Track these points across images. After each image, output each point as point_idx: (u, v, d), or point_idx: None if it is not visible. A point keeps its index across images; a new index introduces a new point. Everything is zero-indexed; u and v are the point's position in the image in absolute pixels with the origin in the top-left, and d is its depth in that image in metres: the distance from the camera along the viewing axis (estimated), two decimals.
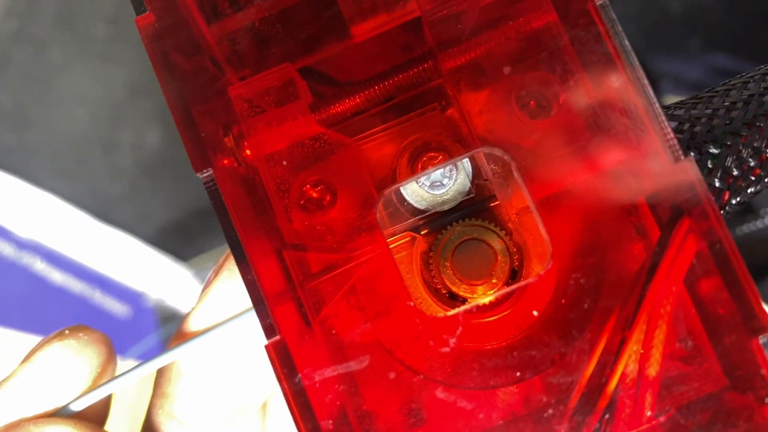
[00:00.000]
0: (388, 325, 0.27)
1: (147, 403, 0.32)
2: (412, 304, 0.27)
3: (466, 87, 0.28)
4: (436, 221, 0.30)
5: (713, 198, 0.25)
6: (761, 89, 0.29)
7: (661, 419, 0.26)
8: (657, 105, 0.24)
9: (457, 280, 0.29)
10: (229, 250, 0.27)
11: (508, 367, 0.27)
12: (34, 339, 0.81)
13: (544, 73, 0.27)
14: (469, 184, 0.30)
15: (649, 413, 0.25)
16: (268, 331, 0.25)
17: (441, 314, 0.27)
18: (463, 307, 0.27)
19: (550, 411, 0.26)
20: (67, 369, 0.30)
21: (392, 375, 0.27)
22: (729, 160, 0.28)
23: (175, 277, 0.94)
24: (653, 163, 0.25)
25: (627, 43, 0.25)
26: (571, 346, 0.26)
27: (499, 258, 0.29)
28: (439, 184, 0.30)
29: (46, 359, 0.30)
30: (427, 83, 0.29)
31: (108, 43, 0.92)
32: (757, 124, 0.28)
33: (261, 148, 0.28)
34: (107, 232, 0.92)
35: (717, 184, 0.28)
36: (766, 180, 0.28)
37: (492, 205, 0.30)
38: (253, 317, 0.28)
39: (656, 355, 0.25)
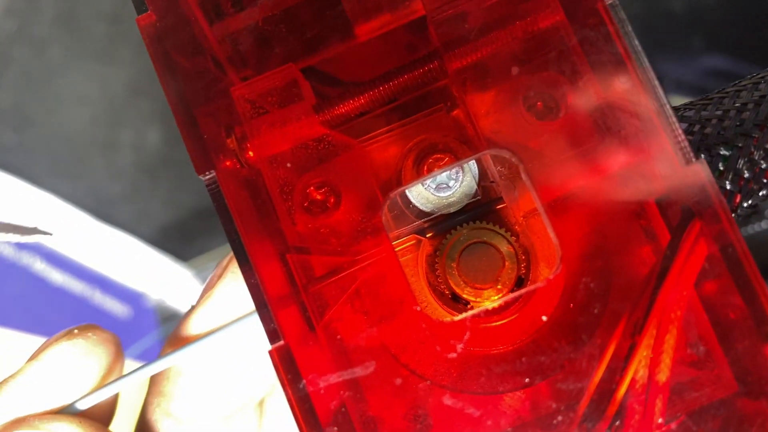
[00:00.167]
0: (394, 329, 0.27)
1: (142, 402, 0.32)
2: (418, 308, 0.26)
3: (472, 88, 0.28)
4: (441, 224, 0.30)
5: (725, 200, 0.24)
6: None
7: (672, 425, 0.25)
8: (668, 106, 0.24)
9: (463, 284, 0.28)
10: (232, 252, 0.27)
11: (515, 372, 0.27)
12: (34, 339, 0.81)
13: (551, 74, 0.27)
14: (475, 187, 0.29)
15: (660, 420, 0.24)
16: (272, 335, 0.25)
17: (448, 319, 0.27)
18: (470, 312, 0.26)
19: (560, 418, 0.25)
20: (73, 368, 0.30)
21: (398, 381, 0.26)
22: (740, 162, 0.27)
23: (175, 277, 0.93)
24: (663, 165, 0.25)
25: (637, 43, 0.24)
26: (579, 351, 0.26)
27: (506, 262, 0.28)
28: (445, 186, 0.29)
29: (54, 357, 0.30)
30: (433, 84, 0.28)
31: (108, 43, 0.92)
32: None
33: (264, 149, 0.27)
34: (107, 232, 0.91)
35: (728, 187, 0.27)
36: None
37: (498, 207, 0.30)
38: (254, 320, 0.27)
39: (666, 360, 0.25)
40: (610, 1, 0.25)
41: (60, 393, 0.30)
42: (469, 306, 0.29)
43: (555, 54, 0.27)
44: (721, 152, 0.27)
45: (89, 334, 0.31)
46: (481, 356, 0.27)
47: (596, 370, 0.25)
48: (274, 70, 0.28)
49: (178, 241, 0.94)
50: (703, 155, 0.28)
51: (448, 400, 0.27)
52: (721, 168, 0.28)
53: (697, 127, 0.28)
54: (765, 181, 0.27)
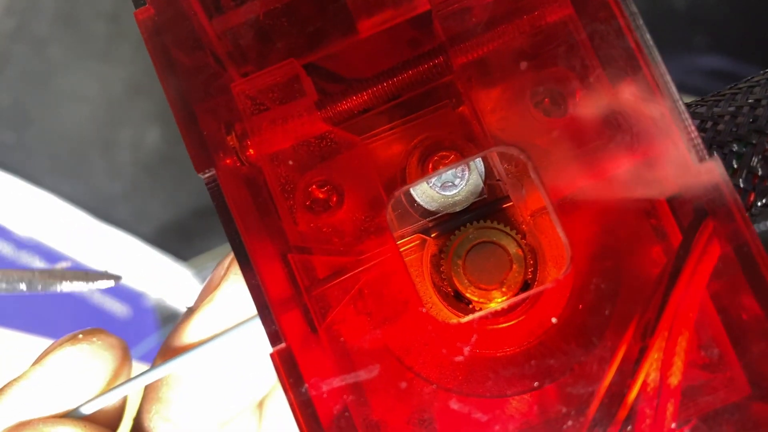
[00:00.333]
0: (398, 330, 0.26)
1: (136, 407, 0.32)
2: (424, 310, 0.25)
3: (478, 83, 0.27)
4: (447, 223, 0.29)
5: (739, 198, 0.24)
6: None
7: (684, 430, 0.25)
8: (680, 102, 0.23)
9: (470, 285, 0.28)
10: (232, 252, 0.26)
11: (523, 375, 0.26)
12: (34, 339, 0.81)
13: (560, 69, 0.26)
14: (481, 185, 0.29)
15: (672, 425, 0.24)
16: (273, 338, 0.24)
17: (454, 320, 0.26)
18: (477, 314, 0.26)
19: (569, 422, 0.25)
20: (77, 372, 0.30)
21: (404, 385, 0.25)
22: (754, 160, 0.27)
23: (175, 276, 0.93)
24: (676, 163, 0.24)
25: (649, 37, 0.24)
26: (589, 354, 0.25)
27: (513, 262, 0.28)
28: (450, 184, 0.28)
29: (57, 362, 0.30)
30: (438, 80, 0.28)
31: (107, 42, 0.91)
32: None
33: (265, 147, 0.27)
34: (106, 231, 0.91)
35: (742, 185, 0.27)
36: None
37: (505, 206, 0.29)
38: (257, 324, 0.27)
39: (678, 363, 0.24)
40: None
41: (64, 397, 0.30)
42: (471, 305, 0.28)
43: (563, 49, 0.26)
44: (735, 149, 0.27)
45: (94, 338, 0.31)
46: (488, 359, 0.27)
47: (606, 373, 0.25)
48: (275, 66, 0.27)
49: (178, 240, 0.93)
50: (715, 152, 0.27)
51: (453, 404, 0.26)
52: (735, 166, 0.27)
53: (709, 124, 0.27)
54: None
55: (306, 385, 0.24)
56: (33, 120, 0.91)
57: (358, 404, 0.25)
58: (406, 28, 0.28)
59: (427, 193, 0.29)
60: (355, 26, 0.27)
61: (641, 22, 0.24)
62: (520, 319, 0.27)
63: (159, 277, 0.93)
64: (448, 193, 0.29)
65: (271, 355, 0.24)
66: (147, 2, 0.26)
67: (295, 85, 0.27)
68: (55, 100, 0.92)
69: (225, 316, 0.29)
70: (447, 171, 0.28)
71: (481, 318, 0.26)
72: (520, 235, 0.28)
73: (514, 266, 0.27)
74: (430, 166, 0.28)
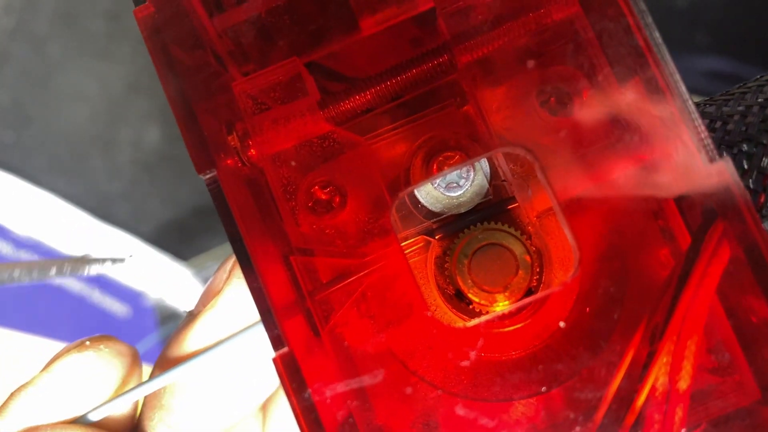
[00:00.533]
0: (402, 334, 0.26)
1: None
2: (430, 314, 0.25)
3: (483, 82, 0.26)
4: (451, 224, 0.28)
5: (750, 199, 0.23)
6: None
7: None
8: (690, 102, 0.23)
9: (475, 288, 0.27)
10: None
11: (529, 379, 0.26)
12: (33, 339, 0.80)
13: (566, 68, 0.26)
14: (487, 186, 0.28)
15: (683, 430, 0.23)
16: (276, 342, 0.24)
17: (460, 324, 0.26)
18: (483, 318, 0.25)
19: (577, 428, 0.24)
20: (84, 379, 0.30)
21: (408, 389, 0.25)
22: (765, 161, 0.26)
23: (174, 276, 0.93)
24: (685, 164, 0.24)
25: (658, 35, 0.23)
26: (596, 357, 0.25)
27: (520, 268, 0.27)
28: (455, 185, 0.28)
29: (64, 369, 0.30)
30: (442, 78, 0.27)
31: (107, 40, 0.91)
32: None
33: (267, 147, 0.26)
34: (106, 230, 0.91)
35: (752, 186, 0.26)
36: None
37: (510, 207, 0.28)
38: (259, 329, 0.26)
39: (688, 367, 0.24)
40: None
41: (72, 404, 0.30)
42: (471, 306, 0.28)
43: (570, 47, 0.26)
44: (744, 149, 0.26)
45: (101, 346, 0.30)
46: (493, 362, 0.26)
47: (614, 377, 0.24)
48: (277, 65, 0.26)
49: (178, 239, 0.93)
50: (725, 152, 0.27)
51: (459, 409, 0.26)
52: (745, 166, 0.26)
53: (718, 124, 0.27)
54: None
55: (309, 390, 0.23)
56: (32, 119, 0.91)
57: (362, 409, 0.25)
58: (409, 26, 0.27)
59: (432, 194, 0.28)
60: (358, 24, 0.27)
61: (650, 19, 0.23)
62: (526, 322, 0.27)
63: (158, 276, 0.93)
64: (452, 194, 0.28)
65: (274, 360, 0.24)
66: (147, 0, 0.26)
67: (297, 84, 0.26)
68: (55, 99, 0.91)
69: (228, 322, 0.29)
70: (452, 172, 0.28)
71: (486, 321, 0.26)
72: (526, 237, 0.28)
73: (521, 272, 0.27)
74: (435, 166, 0.27)
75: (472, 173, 0.28)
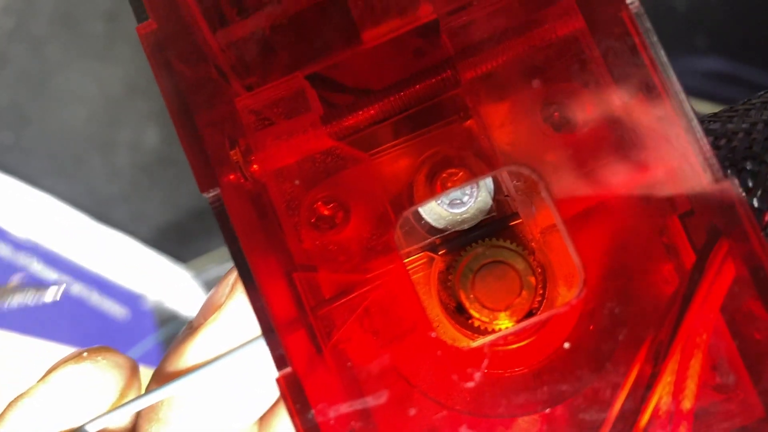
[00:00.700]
0: (406, 350, 0.26)
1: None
2: (434, 335, 0.25)
3: (486, 98, 0.26)
4: (455, 241, 0.28)
5: (755, 219, 0.23)
6: None
7: None
8: (696, 121, 0.23)
9: (479, 306, 0.27)
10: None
11: (532, 396, 0.26)
12: (31, 341, 0.80)
13: (570, 84, 0.26)
14: (490, 202, 0.28)
15: None
16: (279, 362, 0.23)
17: (464, 344, 0.26)
18: (488, 338, 0.25)
19: None
20: (81, 390, 0.29)
21: (413, 406, 0.25)
22: None
23: (174, 278, 0.93)
24: (690, 183, 0.24)
25: (663, 53, 0.23)
26: (599, 375, 0.25)
27: (524, 283, 0.27)
28: (459, 202, 0.28)
29: (60, 380, 0.30)
30: (445, 94, 0.27)
31: (106, 41, 0.91)
32: None
33: (269, 162, 0.26)
34: (105, 232, 0.91)
35: (756, 204, 0.26)
36: None
37: (514, 223, 0.28)
38: (260, 344, 0.26)
39: (692, 386, 0.24)
40: (635, 10, 0.24)
41: (68, 415, 0.29)
42: (471, 321, 0.28)
43: (574, 63, 0.26)
44: (749, 168, 0.26)
45: (99, 357, 0.30)
46: (497, 379, 0.26)
47: (618, 396, 0.24)
48: (280, 80, 0.26)
49: (177, 242, 0.93)
50: (729, 170, 0.27)
51: (463, 426, 0.26)
52: (750, 184, 0.26)
53: (723, 141, 0.27)
54: None
55: (313, 411, 0.23)
56: (31, 120, 0.91)
57: (366, 428, 0.25)
58: (412, 38, 0.27)
59: (435, 210, 0.28)
60: (360, 36, 0.27)
61: (656, 38, 0.23)
62: (531, 339, 0.27)
63: (158, 279, 0.93)
64: (456, 210, 0.28)
65: (277, 380, 0.23)
66: (150, 16, 0.25)
67: (300, 99, 0.26)
68: (53, 100, 0.91)
69: (229, 336, 0.29)
70: (456, 189, 0.28)
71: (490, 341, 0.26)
72: (529, 253, 0.28)
73: (524, 290, 0.27)
74: (439, 183, 0.27)
75: (476, 190, 0.28)
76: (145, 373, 0.31)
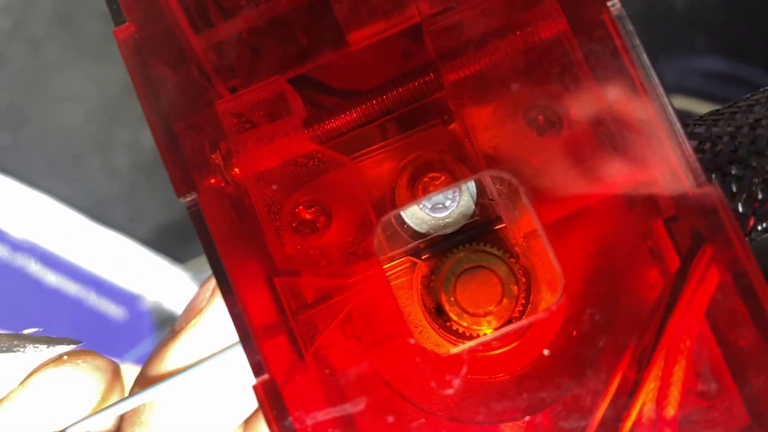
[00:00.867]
0: (387, 356, 0.26)
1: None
2: (413, 341, 0.25)
3: (470, 101, 0.26)
4: (438, 245, 0.28)
5: (738, 225, 0.23)
6: None
7: None
8: (678, 125, 0.22)
9: (461, 311, 0.27)
10: None
11: (514, 402, 0.25)
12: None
13: (554, 87, 0.25)
14: (473, 207, 0.28)
15: None
16: (256, 369, 0.23)
17: (443, 350, 0.25)
18: (468, 344, 0.25)
19: None
20: (61, 394, 0.29)
21: (394, 412, 0.25)
22: (754, 183, 0.26)
23: (171, 279, 0.93)
24: (673, 187, 0.24)
25: (645, 57, 0.23)
26: (582, 382, 0.25)
27: (506, 289, 0.27)
28: (441, 206, 0.28)
29: (40, 384, 0.29)
30: (428, 97, 0.27)
31: (104, 42, 0.91)
32: None
33: (251, 166, 0.26)
34: (102, 233, 0.91)
35: (741, 209, 0.26)
36: None
37: (497, 227, 0.28)
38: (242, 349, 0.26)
39: (675, 393, 0.23)
40: (617, 13, 0.23)
41: (48, 419, 0.29)
42: (457, 329, 0.27)
43: (557, 66, 0.25)
44: (734, 172, 0.26)
45: (79, 360, 0.30)
46: (480, 384, 0.26)
47: (600, 403, 0.24)
48: (260, 83, 0.26)
49: (175, 242, 0.93)
50: (714, 175, 0.26)
51: (444, 431, 0.25)
52: (734, 189, 0.26)
53: (707, 145, 0.26)
54: None
55: (290, 418, 0.23)
56: (29, 121, 0.91)
57: None
58: (399, 40, 0.27)
59: (417, 214, 0.28)
60: (346, 39, 0.27)
61: (638, 42, 0.23)
62: (514, 345, 0.26)
63: (155, 279, 0.92)
64: (438, 215, 0.28)
65: (254, 387, 0.23)
66: (127, 20, 0.25)
67: (281, 102, 0.26)
68: (51, 100, 0.91)
69: (210, 340, 0.29)
70: (437, 195, 0.27)
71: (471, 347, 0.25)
72: (512, 258, 0.27)
73: (506, 295, 0.27)
74: (420, 187, 0.27)
75: (458, 194, 0.28)
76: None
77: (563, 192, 0.25)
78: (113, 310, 0.92)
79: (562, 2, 0.25)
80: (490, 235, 0.28)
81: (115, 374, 0.31)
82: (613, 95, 0.24)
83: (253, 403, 0.30)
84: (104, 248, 0.91)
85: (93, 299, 0.91)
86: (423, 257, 0.28)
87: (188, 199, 0.24)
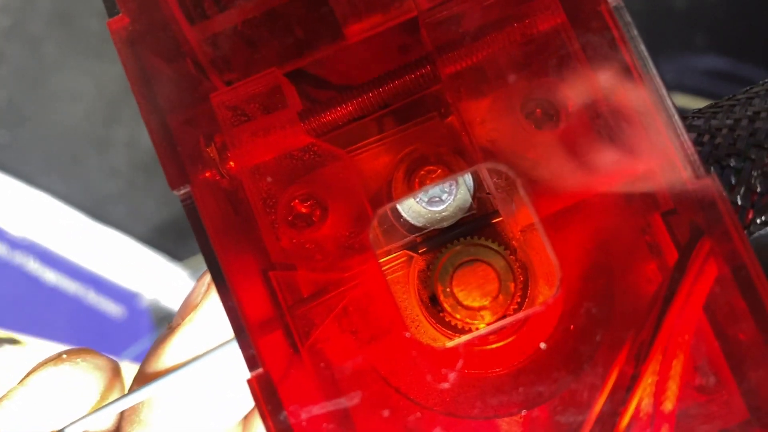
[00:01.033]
0: (383, 350, 0.25)
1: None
2: (408, 335, 0.24)
3: (467, 94, 0.26)
4: (434, 239, 0.28)
5: (737, 217, 0.23)
6: None
7: None
8: (677, 117, 0.22)
9: (457, 305, 0.26)
10: None
11: (512, 397, 0.25)
12: (28, 340, 0.80)
13: (551, 80, 0.25)
14: (470, 200, 0.28)
15: None
16: (251, 363, 0.23)
17: (440, 344, 0.25)
18: (463, 338, 0.25)
19: None
20: (60, 393, 0.29)
21: (389, 406, 0.24)
22: (753, 176, 0.26)
23: (170, 277, 0.92)
24: (671, 180, 0.23)
25: (643, 48, 0.23)
26: (579, 377, 0.24)
27: (503, 282, 0.27)
28: (437, 199, 0.27)
29: (39, 382, 0.29)
30: (425, 90, 0.26)
31: (103, 40, 0.91)
32: None
33: (246, 159, 0.26)
34: (101, 231, 0.90)
35: (740, 202, 0.25)
36: None
37: (495, 221, 0.28)
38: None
39: (673, 387, 0.23)
40: (614, 3, 0.23)
41: (47, 418, 0.29)
42: (453, 323, 0.27)
43: (555, 59, 0.25)
44: (733, 165, 0.26)
45: (78, 359, 0.30)
46: (477, 379, 0.26)
47: (598, 397, 0.24)
48: (256, 75, 0.26)
49: (173, 240, 0.93)
50: (713, 168, 0.26)
51: (442, 426, 0.25)
52: (733, 181, 0.26)
53: (706, 138, 0.26)
54: None
55: (285, 412, 0.23)
56: (27, 119, 0.91)
57: (342, 428, 0.24)
58: (396, 34, 0.27)
59: (414, 208, 0.28)
60: (342, 32, 0.26)
61: (635, 32, 0.23)
62: (511, 339, 0.26)
63: (154, 277, 0.92)
64: (435, 208, 0.27)
65: (249, 381, 0.23)
66: (121, 11, 0.25)
67: (277, 95, 0.26)
68: (50, 98, 0.91)
69: (206, 336, 0.29)
70: (433, 187, 0.27)
71: (469, 339, 0.25)
72: (510, 252, 0.27)
73: (503, 289, 0.26)
74: (417, 181, 0.27)
75: (454, 187, 0.27)
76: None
77: (561, 185, 0.25)
78: (112, 308, 0.92)
79: None
80: (488, 229, 0.28)
81: (115, 373, 0.31)
82: (611, 87, 0.24)
83: (250, 402, 0.30)
84: (103, 246, 0.91)
85: (92, 297, 0.91)
86: (420, 251, 0.28)
87: (182, 192, 0.24)
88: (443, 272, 0.27)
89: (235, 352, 0.27)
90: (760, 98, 0.27)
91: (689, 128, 0.27)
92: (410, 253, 0.28)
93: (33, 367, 0.30)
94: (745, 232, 0.26)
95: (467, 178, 0.28)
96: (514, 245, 0.28)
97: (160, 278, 0.93)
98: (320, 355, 0.25)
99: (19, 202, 0.88)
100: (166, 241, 0.93)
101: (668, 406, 0.23)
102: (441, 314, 0.27)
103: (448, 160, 0.27)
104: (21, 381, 0.30)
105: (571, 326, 0.25)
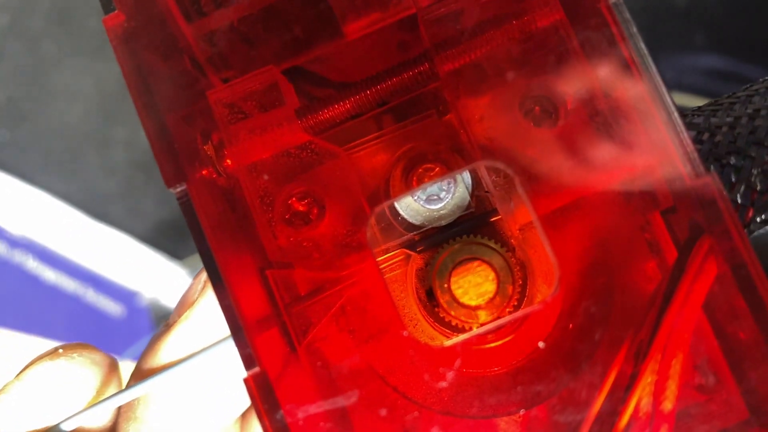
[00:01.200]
0: (381, 349, 0.25)
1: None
2: (406, 333, 0.24)
3: (465, 91, 0.26)
4: (432, 238, 0.28)
5: (736, 216, 0.22)
6: None
7: None
8: (676, 114, 0.22)
9: (455, 304, 0.26)
10: None
11: (510, 397, 0.25)
12: (27, 338, 0.80)
13: (550, 77, 0.25)
14: (468, 198, 0.27)
15: None
16: (248, 361, 0.23)
17: (437, 343, 0.25)
18: (461, 337, 0.24)
19: None
20: (56, 388, 0.29)
21: (387, 406, 0.24)
22: (753, 174, 0.25)
23: (169, 275, 0.92)
24: (671, 178, 0.23)
25: (643, 45, 0.23)
26: (578, 376, 0.24)
27: (501, 281, 0.27)
28: (435, 198, 0.27)
29: (35, 377, 0.29)
30: (423, 87, 0.26)
31: (102, 39, 0.90)
32: None
33: (243, 157, 0.26)
34: (100, 229, 0.90)
35: (739, 200, 0.25)
36: None
37: (493, 219, 0.28)
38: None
39: (672, 387, 0.23)
40: (613, 0, 0.23)
41: (43, 413, 0.29)
42: (451, 322, 0.27)
43: (554, 56, 0.25)
44: (733, 162, 0.25)
45: (74, 354, 0.30)
46: (476, 378, 0.26)
47: (597, 397, 0.24)
48: (253, 73, 0.26)
49: (173, 238, 0.93)
50: (712, 166, 0.26)
51: (440, 426, 0.25)
52: (733, 179, 0.26)
53: (706, 135, 0.26)
54: None
55: (281, 411, 0.23)
56: (26, 117, 0.91)
57: (339, 427, 0.24)
58: (396, 31, 0.27)
59: (412, 206, 0.27)
60: (341, 29, 0.26)
61: (635, 29, 0.22)
62: (509, 338, 0.26)
63: (153, 276, 0.92)
64: (433, 206, 0.27)
65: (245, 380, 0.23)
66: (117, 8, 0.25)
67: (274, 93, 0.26)
68: (49, 97, 0.91)
69: (203, 333, 0.28)
70: (432, 185, 0.27)
71: (467, 338, 0.25)
72: (508, 250, 0.27)
73: (501, 288, 0.26)
74: (415, 179, 0.27)
75: (453, 186, 0.27)
76: None
77: (559, 183, 0.25)
78: (111, 306, 0.92)
79: None
80: (486, 227, 0.28)
81: (112, 368, 0.31)
82: (610, 84, 0.24)
83: (247, 399, 0.30)
84: (102, 245, 0.91)
85: (91, 296, 0.91)
86: (417, 249, 0.28)
87: (178, 189, 0.24)
88: (441, 271, 0.27)
89: (231, 349, 0.27)
90: (760, 96, 0.26)
91: (689, 126, 0.27)
92: (408, 251, 0.28)
93: (29, 362, 0.30)
94: (745, 230, 0.26)
95: (465, 176, 0.28)
96: (512, 244, 0.28)
97: (159, 277, 0.93)
98: (317, 353, 0.25)
99: (18, 201, 0.88)
100: (165, 239, 0.93)
101: (668, 405, 0.23)
102: (434, 308, 0.27)
103: (447, 157, 0.26)
104: (17, 375, 0.30)
105: (570, 325, 0.25)
